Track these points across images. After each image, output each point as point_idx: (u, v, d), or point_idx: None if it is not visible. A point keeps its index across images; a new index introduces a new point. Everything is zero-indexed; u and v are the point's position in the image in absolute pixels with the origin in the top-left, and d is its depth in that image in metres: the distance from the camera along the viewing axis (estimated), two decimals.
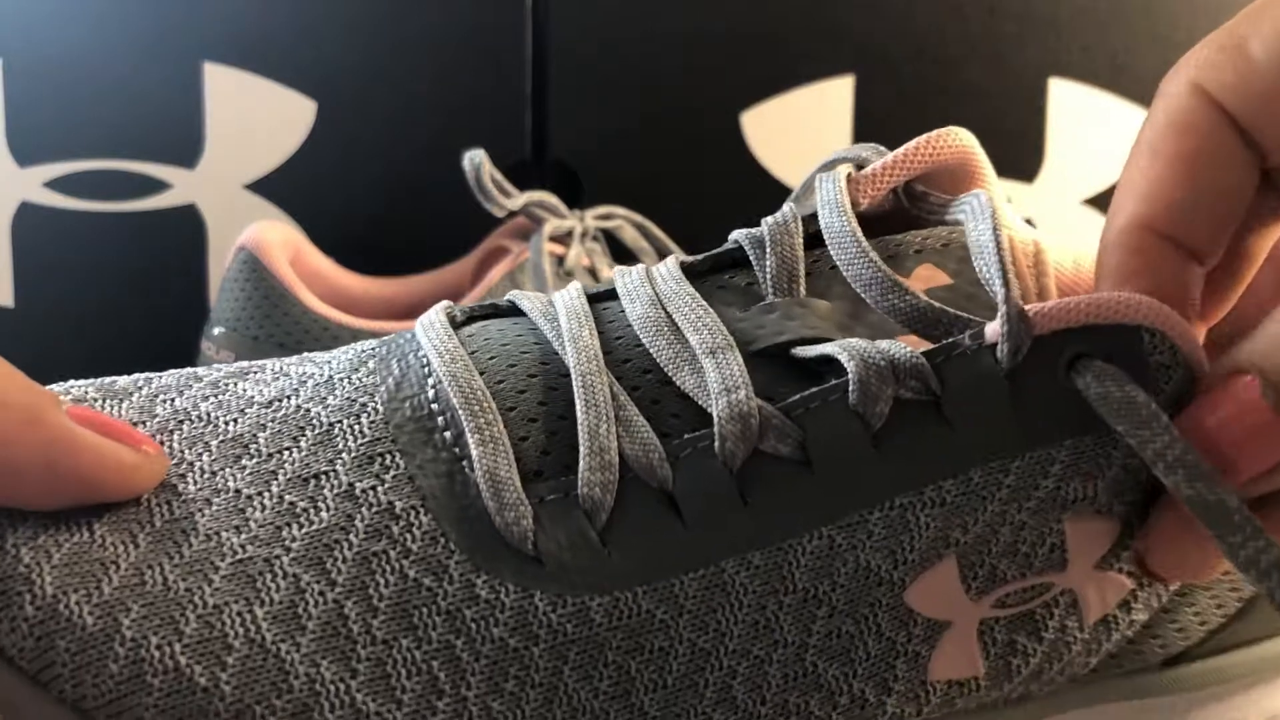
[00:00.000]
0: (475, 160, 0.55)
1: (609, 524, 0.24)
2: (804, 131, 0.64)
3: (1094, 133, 0.64)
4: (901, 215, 0.29)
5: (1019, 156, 0.64)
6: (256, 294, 0.55)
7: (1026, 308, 0.23)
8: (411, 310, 0.58)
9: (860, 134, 0.64)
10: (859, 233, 0.26)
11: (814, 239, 0.28)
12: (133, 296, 0.64)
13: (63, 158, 0.62)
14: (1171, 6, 0.63)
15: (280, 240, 0.56)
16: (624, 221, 0.60)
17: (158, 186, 0.63)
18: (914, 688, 0.25)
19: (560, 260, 0.57)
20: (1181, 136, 0.25)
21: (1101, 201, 0.64)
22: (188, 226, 0.63)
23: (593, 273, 0.58)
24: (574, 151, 0.63)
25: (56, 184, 0.63)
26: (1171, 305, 0.24)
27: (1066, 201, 0.64)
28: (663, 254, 0.60)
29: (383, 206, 0.63)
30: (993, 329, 0.24)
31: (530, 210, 0.57)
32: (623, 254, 0.61)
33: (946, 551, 0.24)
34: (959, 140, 0.28)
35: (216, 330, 0.55)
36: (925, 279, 0.27)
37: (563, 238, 0.58)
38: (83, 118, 0.62)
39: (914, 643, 0.25)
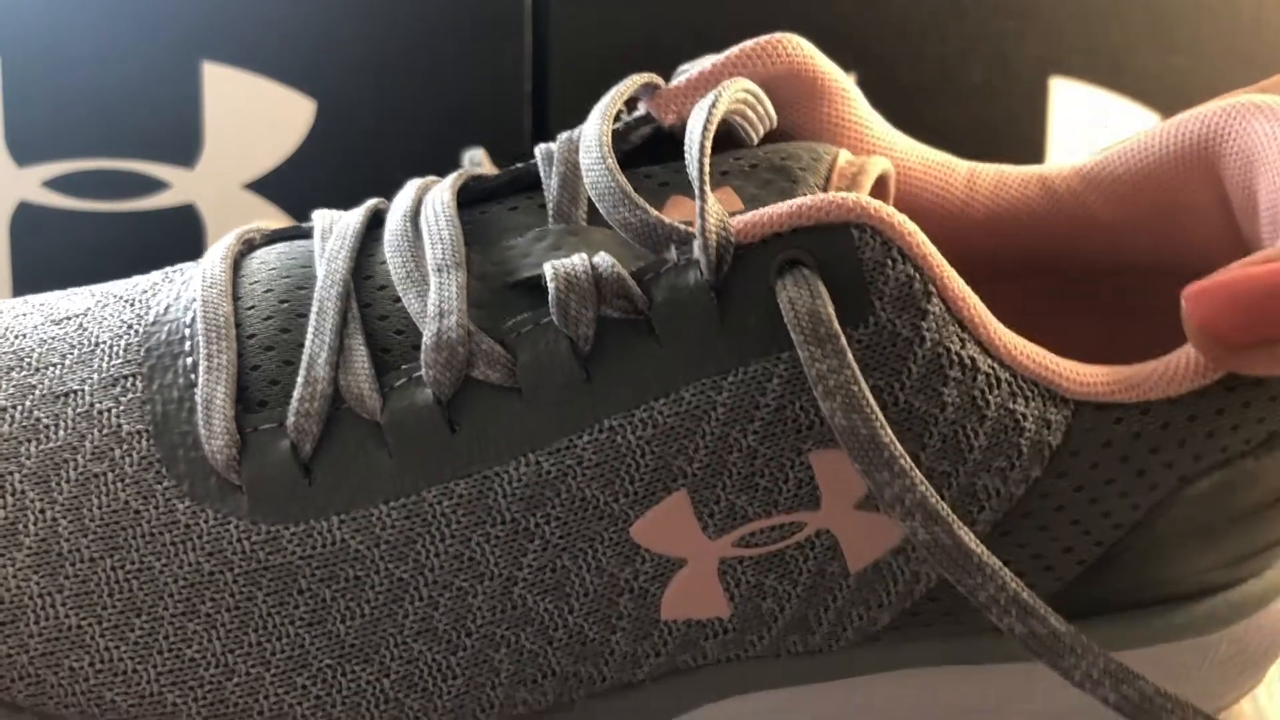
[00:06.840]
0: (475, 160, 0.55)
1: (315, 454, 0.24)
2: None
3: (1095, 132, 0.63)
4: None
5: (1019, 156, 0.63)
6: None
7: (732, 217, 0.23)
8: None
9: None
10: (606, 140, 0.25)
11: (668, 154, 0.26)
12: None
13: (61, 157, 0.62)
14: (1173, 6, 0.63)
15: None
16: None
17: (156, 186, 0.63)
18: (644, 626, 0.25)
19: None
20: None
21: None
22: (187, 226, 0.63)
23: None
24: None
25: (55, 183, 0.63)
26: None
27: None
28: None
29: None
30: (699, 241, 0.23)
31: None
32: None
33: (675, 485, 0.23)
34: (789, 48, 0.27)
35: None
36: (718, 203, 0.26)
37: None
38: (81, 117, 0.62)
39: (641, 579, 0.24)
